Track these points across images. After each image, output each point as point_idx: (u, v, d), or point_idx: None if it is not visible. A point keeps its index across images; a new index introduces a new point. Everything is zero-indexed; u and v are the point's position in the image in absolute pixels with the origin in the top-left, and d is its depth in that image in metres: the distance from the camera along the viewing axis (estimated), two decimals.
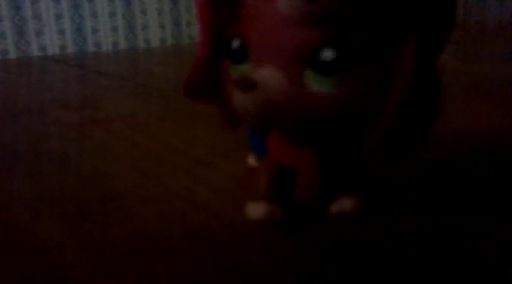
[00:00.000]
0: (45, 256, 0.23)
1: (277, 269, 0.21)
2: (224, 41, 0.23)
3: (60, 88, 0.75)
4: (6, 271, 0.22)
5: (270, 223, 0.25)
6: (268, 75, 0.21)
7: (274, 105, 0.21)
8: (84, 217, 0.27)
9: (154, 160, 0.37)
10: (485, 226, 0.25)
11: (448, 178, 0.32)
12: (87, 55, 1.22)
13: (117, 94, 0.66)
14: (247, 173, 0.33)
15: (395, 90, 0.21)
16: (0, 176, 0.35)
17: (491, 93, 0.60)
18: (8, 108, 0.59)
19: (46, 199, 0.30)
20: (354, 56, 0.20)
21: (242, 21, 0.22)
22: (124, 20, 1.36)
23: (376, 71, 0.21)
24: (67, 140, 0.44)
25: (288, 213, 0.26)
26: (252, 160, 0.33)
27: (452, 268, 0.21)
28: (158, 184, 0.32)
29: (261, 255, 0.23)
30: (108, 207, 0.28)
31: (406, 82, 0.21)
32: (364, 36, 0.21)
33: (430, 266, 0.21)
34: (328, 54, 0.20)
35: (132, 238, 0.24)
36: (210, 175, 0.33)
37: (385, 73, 0.21)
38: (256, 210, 0.26)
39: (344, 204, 0.26)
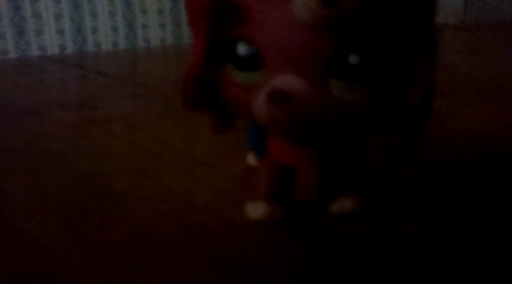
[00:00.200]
0: (43, 256, 0.23)
1: (277, 269, 0.21)
2: (226, 46, 0.22)
3: (59, 88, 0.75)
4: (5, 272, 0.22)
5: (270, 223, 0.25)
6: (297, 86, 0.20)
7: (307, 116, 0.21)
8: (82, 217, 0.27)
9: (153, 160, 0.37)
10: (487, 225, 0.25)
11: (450, 177, 0.32)
12: (87, 55, 1.22)
13: (116, 95, 0.66)
14: (247, 173, 0.33)
15: (416, 92, 0.22)
16: (0, 176, 0.34)
17: (489, 90, 0.60)
18: (7, 108, 0.59)
19: (44, 199, 0.30)
20: (377, 60, 0.20)
21: (248, 25, 0.21)
22: (124, 19, 1.36)
23: (395, 74, 0.21)
24: (66, 140, 0.43)
25: (288, 212, 0.26)
26: (251, 160, 0.33)
27: (454, 267, 0.21)
28: (157, 184, 0.32)
29: (260, 255, 0.23)
30: (107, 207, 0.28)
31: (427, 83, 0.21)
32: (382, 41, 0.20)
33: (431, 266, 0.21)
34: (353, 60, 0.20)
35: (131, 238, 0.24)
36: (209, 175, 0.33)
37: (403, 76, 0.22)
38: (256, 209, 0.26)
39: (344, 204, 0.26)
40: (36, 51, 1.24)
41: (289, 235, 0.24)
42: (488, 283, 0.20)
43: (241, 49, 0.22)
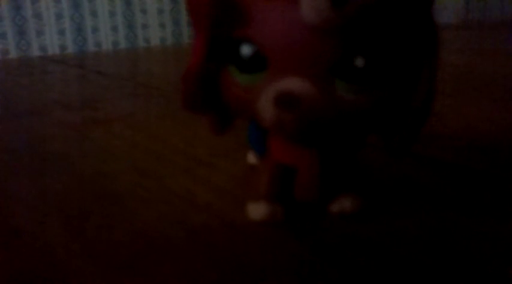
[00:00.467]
0: (44, 257, 0.23)
1: (278, 269, 0.21)
2: (229, 47, 0.22)
3: (60, 88, 0.75)
4: (6, 273, 0.22)
5: (271, 223, 0.25)
6: (303, 88, 0.20)
7: (313, 119, 0.20)
8: (83, 217, 0.27)
9: (154, 160, 0.37)
10: (486, 224, 0.25)
11: (450, 176, 0.32)
12: (87, 55, 1.22)
13: (117, 94, 0.66)
14: (248, 173, 0.33)
15: (419, 93, 0.22)
16: (1, 177, 0.35)
17: (490, 89, 0.60)
18: (8, 109, 0.59)
19: (45, 200, 0.30)
20: (381, 63, 0.21)
21: (251, 25, 0.21)
22: (124, 19, 1.36)
23: (398, 76, 0.21)
24: (68, 141, 0.44)
25: (288, 212, 0.26)
26: (251, 158, 0.33)
27: (454, 267, 0.21)
28: (158, 185, 0.32)
29: (261, 255, 0.23)
30: (108, 208, 0.28)
31: (429, 85, 0.22)
32: (387, 44, 0.21)
33: (431, 265, 0.21)
34: (359, 62, 0.20)
35: (132, 239, 0.24)
36: (210, 175, 0.33)
37: (406, 79, 0.22)
38: (257, 210, 0.26)
39: (345, 204, 0.26)
40: (37, 52, 1.24)
41: (290, 235, 0.24)
42: (488, 282, 0.20)
43: (245, 50, 0.21)
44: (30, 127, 0.49)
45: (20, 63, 1.10)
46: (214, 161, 0.36)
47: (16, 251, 0.24)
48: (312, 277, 0.21)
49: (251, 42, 0.21)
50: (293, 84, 0.20)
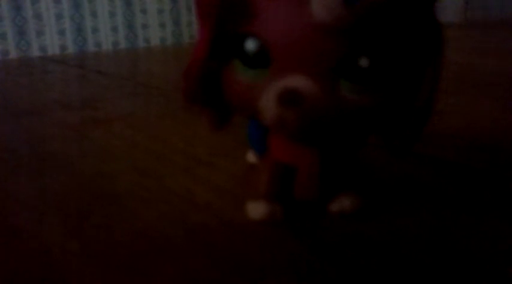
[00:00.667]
0: (43, 256, 0.23)
1: (277, 268, 0.21)
2: (234, 42, 0.22)
3: (60, 88, 0.75)
4: (6, 274, 0.22)
5: (270, 222, 0.25)
6: (307, 86, 0.20)
7: (316, 118, 0.20)
8: (83, 217, 0.27)
9: (154, 159, 0.37)
10: (486, 223, 0.25)
11: (451, 175, 0.32)
12: (88, 55, 1.22)
13: (117, 94, 0.66)
14: (247, 172, 0.33)
15: (422, 94, 0.22)
16: (1, 177, 0.35)
17: (491, 88, 0.60)
18: (8, 109, 0.59)
19: (45, 200, 0.30)
20: (387, 64, 0.20)
21: (258, 21, 0.21)
22: (124, 19, 1.36)
23: (402, 78, 0.21)
24: (67, 141, 0.44)
25: (288, 211, 0.26)
26: (251, 157, 0.33)
27: (455, 266, 0.21)
28: (158, 184, 0.32)
29: (261, 254, 0.23)
30: (108, 208, 0.28)
31: (432, 87, 0.22)
32: (392, 45, 0.20)
33: (431, 264, 0.21)
34: (364, 62, 0.20)
35: (132, 239, 0.24)
36: (209, 174, 0.33)
37: (410, 80, 0.22)
38: (256, 209, 0.26)
39: (344, 203, 0.26)
40: (37, 52, 1.24)
41: (289, 234, 0.24)
42: (489, 281, 0.20)
43: (250, 45, 0.21)
44: (30, 127, 0.49)
45: (20, 63, 1.10)
46: (213, 160, 0.36)
47: (15, 251, 0.24)
48: (311, 276, 0.21)
49: (256, 37, 0.21)
50: (296, 81, 0.20)
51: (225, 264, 0.22)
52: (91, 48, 1.32)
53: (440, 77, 0.22)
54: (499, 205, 0.27)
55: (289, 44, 0.20)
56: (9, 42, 1.21)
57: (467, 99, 0.55)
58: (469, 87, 0.62)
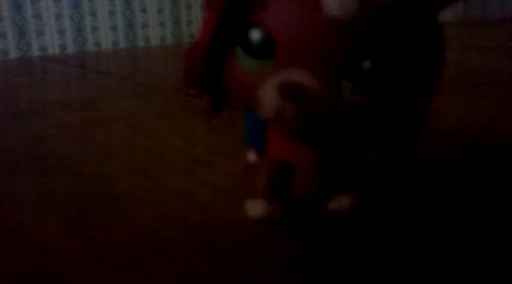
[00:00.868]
0: (43, 257, 0.23)
1: (276, 268, 0.22)
2: (239, 29, 0.21)
3: (60, 89, 0.75)
4: (6, 274, 0.22)
5: (269, 222, 0.26)
6: (309, 82, 0.20)
7: (315, 115, 0.20)
8: (83, 218, 0.27)
9: (153, 160, 0.37)
10: (482, 222, 0.25)
11: (447, 174, 0.32)
12: (88, 55, 1.22)
13: (117, 94, 0.66)
14: (246, 171, 0.33)
15: (421, 98, 0.22)
16: (1, 178, 0.35)
17: (490, 87, 0.60)
18: (8, 109, 0.59)
19: (45, 200, 0.30)
20: (388, 68, 0.21)
21: (266, 11, 0.21)
22: (124, 18, 1.36)
23: (401, 82, 0.22)
24: (68, 141, 0.44)
25: (286, 210, 0.26)
26: (252, 157, 0.33)
27: (452, 264, 0.21)
28: (158, 185, 0.32)
29: (259, 254, 0.23)
30: (108, 208, 0.28)
31: (430, 92, 0.22)
32: (395, 49, 0.21)
33: (429, 263, 0.21)
34: (367, 65, 0.20)
35: (132, 239, 0.25)
36: (209, 174, 0.33)
37: (408, 87, 0.22)
38: (255, 208, 0.26)
39: (342, 202, 0.26)
40: (37, 51, 1.24)
41: (287, 234, 0.25)
42: (486, 279, 0.20)
43: (255, 34, 0.21)
44: (30, 127, 0.49)
45: (20, 63, 1.10)
46: (213, 160, 0.36)
47: (14, 251, 0.24)
48: (309, 276, 0.21)
49: (263, 27, 0.21)
50: (299, 76, 0.20)
51: (224, 264, 0.22)
52: (91, 47, 1.32)
53: (438, 84, 0.22)
54: (498, 204, 0.27)
55: (296, 37, 0.20)
56: (9, 41, 1.21)
57: (465, 98, 0.55)
58: (467, 86, 0.62)
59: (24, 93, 0.71)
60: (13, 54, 1.21)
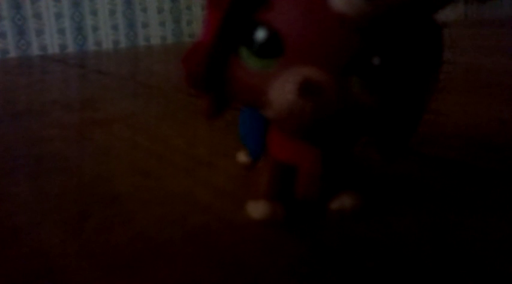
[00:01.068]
0: (43, 258, 0.23)
1: (278, 269, 0.21)
2: (245, 28, 0.21)
3: (60, 88, 0.75)
4: (4, 276, 0.22)
5: (271, 223, 0.25)
6: (323, 79, 0.20)
7: (329, 112, 0.20)
8: (83, 218, 0.27)
9: (154, 161, 0.37)
10: (489, 223, 0.25)
11: (448, 173, 0.32)
12: (88, 54, 1.22)
13: (117, 94, 0.66)
14: (248, 172, 0.33)
15: (422, 96, 0.22)
16: (1, 178, 0.35)
17: (491, 87, 0.60)
18: (8, 109, 0.59)
19: (45, 201, 0.30)
20: (396, 65, 0.20)
21: (273, 9, 0.20)
22: (124, 18, 1.36)
23: (407, 81, 0.22)
24: (68, 142, 0.43)
25: (288, 211, 0.26)
26: (242, 157, 0.33)
27: (453, 264, 0.21)
28: (158, 186, 0.32)
29: (261, 255, 0.23)
30: (109, 210, 0.28)
31: (431, 88, 0.22)
32: (403, 49, 0.21)
33: (430, 263, 0.21)
34: (376, 61, 0.20)
35: (134, 240, 0.24)
36: (210, 175, 0.33)
37: (412, 88, 0.22)
38: (257, 209, 0.26)
39: (345, 201, 0.26)
40: (37, 51, 1.24)
41: (289, 235, 0.24)
42: (492, 281, 0.20)
43: (261, 34, 0.21)
44: (30, 128, 0.49)
45: (19, 62, 1.10)
46: (214, 161, 0.36)
47: (12, 253, 0.24)
48: (311, 278, 0.21)
49: (269, 26, 0.20)
50: (314, 73, 0.20)
51: (225, 266, 0.22)
52: (91, 47, 1.32)
53: (438, 82, 0.22)
54: (506, 205, 0.27)
55: (305, 35, 0.20)
56: (8, 41, 1.21)
57: (468, 98, 0.54)
58: (469, 86, 0.62)
59: (24, 92, 0.71)
60: (13, 53, 1.21)
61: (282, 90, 0.20)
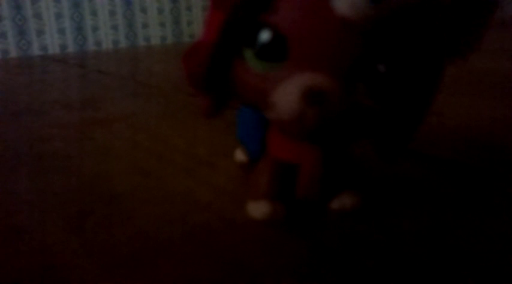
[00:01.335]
0: (44, 256, 0.23)
1: (278, 268, 0.21)
2: (249, 30, 0.21)
3: (61, 88, 0.75)
4: (8, 273, 0.22)
5: (271, 222, 0.25)
6: (329, 85, 0.19)
7: (333, 118, 0.20)
8: (84, 217, 0.27)
9: (155, 160, 0.37)
10: (485, 222, 0.25)
11: (448, 173, 0.32)
12: (88, 54, 1.22)
13: (117, 94, 0.66)
14: (248, 171, 0.33)
15: (424, 100, 0.22)
16: (3, 177, 0.35)
17: (490, 88, 0.60)
18: (9, 108, 0.59)
19: (46, 199, 0.30)
20: (400, 72, 0.20)
21: (278, 11, 0.20)
22: (124, 18, 1.36)
23: (410, 86, 0.22)
24: (68, 141, 0.44)
25: (288, 211, 0.26)
26: (240, 155, 0.33)
27: (453, 264, 0.21)
28: (159, 185, 0.32)
29: (261, 254, 0.23)
30: (110, 208, 0.28)
31: (433, 92, 0.22)
32: (407, 56, 0.20)
33: (430, 264, 0.21)
34: (381, 68, 0.20)
35: (134, 239, 0.24)
36: (210, 174, 0.33)
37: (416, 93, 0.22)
38: (258, 209, 0.26)
39: (345, 201, 0.26)
40: (37, 51, 1.24)
41: (289, 234, 0.24)
42: (489, 280, 0.20)
43: (265, 36, 0.20)
44: (31, 127, 0.49)
45: (20, 62, 1.10)
46: (214, 161, 0.36)
47: (15, 250, 0.24)
48: (311, 277, 0.21)
49: (274, 29, 0.20)
50: (319, 79, 0.20)
51: (225, 264, 0.22)
52: (91, 47, 1.32)
53: (440, 86, 0.22)
54: (501, 205, 0.27)
55: (310, 38, 0.20)
56: (9, 41, 1.21)
57: (465, 99, 0.55)
58: (467, 86, 0.62)
59: (24, 92, 0.71)
60: (13, 53, 1.21)
61: (286, 97, 0.20)
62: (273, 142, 0.26)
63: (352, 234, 0.24)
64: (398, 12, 0.19)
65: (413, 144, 0.24)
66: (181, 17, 1.45)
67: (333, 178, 0.26)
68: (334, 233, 0.24)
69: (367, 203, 0.27)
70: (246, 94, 0.22)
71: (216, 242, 0.24)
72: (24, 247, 0.24)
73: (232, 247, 0.23)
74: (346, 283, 0.20)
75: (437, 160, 0.35)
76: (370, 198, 0.28)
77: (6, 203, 0.30)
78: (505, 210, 0.27)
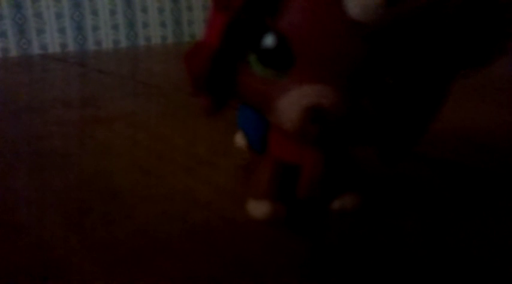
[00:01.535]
0: (45, 254, 0.23)
1: (278, 267, 0.21)
2: (254, 34, 0.20)
3: (61, 87, 0.75)
4: (7, 270, 0.22)
5: (272, 222, 0.25)
6: (332, 99, 0.19)
7: (336, 130, 0.20)
8: (85, 216, 0.27)
9: (155, 158, 0.37)
10: (486, 223, 0.25)
11: (450, 175, 0.32)
12: (88, 53, 1.22)
13: (117, 93, 0.66)
14: (248, 171, 0.33)
15: (430, 108, 0.22)
16: (2, 175, 0.35)
17: (491, 89, 0.60)
18: (9, 107, 0.59)
19: (47, 197, 0.30)
20: (407, 84, 0.20)
21: (285, 17, 0.19)
22: (125, 18, 1.36)
23: (417, 96, 0.21)
24: (69, 139, 0.44)
25: (289, 210, 0.26)
26: (239, 139, 0.33)
27: (453, 265, 0.21)
28: (159, 183, 0.32)
29: (262, 253, 0.23)
30: (110, 206, 0.28)
31: (440, 101, 0.22)
32: (414, 67, 0.20)
33: (430, 265, 0.21)
34: (390, 79, 0.20)
35: (134, 237, 0.24)
36: (211, 173, 0.33)
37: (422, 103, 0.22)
38: (259, 209, 0.26)
39: (346, 201, 0.26)
40: (38, 50, 1.24)
41: (290, 234, 0.24)
42: (486, 279, 0.20)
43: (269, 41, 0.20)
44: (31, 125, 0.49)
45: (20, 61, 1.10)
46: (215, 159, 0.36)
47: (15, 247, 0.24)
48: (311, 276, 0.21)
49: (279, 34, 0.19)
50: (324, 93, 0.19)
51: (226, 262, 0.22)
52: (91, 46, 1.32)
53: (448, 94, 0.22)
54: (502, 206, 0.27)
55: (316, 45, 0.19)
56: (9, 40, 1.21)
57: (464, 99, 0.55)
58: (466, 87, 0.62)
59: (24, 91, 0.71)
60: (13, 52, 1.21)
61: (288, 109, 0.20)
62: (273, 142, 0.26)
63: (352, 235, 0.24)
64: (412, 17, 0.18)
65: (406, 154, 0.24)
66: (182, 16, 1.45)
67: (334, 179, 0.26)
68: (334, 234, 0.24)
69: (368, 204, 0.27)
70: (248, 97, 0.22)
71: (216, 241, 0.24)
72: (25, 243, 0.24)
73: (232, 246, 0.23)
74: (346, 283, 0.20)
75: (439, 162, 0.35)
76: (371, 198, 0.28)
77: (6, 200, 0.30)
78: (506, 211, 0.27)
